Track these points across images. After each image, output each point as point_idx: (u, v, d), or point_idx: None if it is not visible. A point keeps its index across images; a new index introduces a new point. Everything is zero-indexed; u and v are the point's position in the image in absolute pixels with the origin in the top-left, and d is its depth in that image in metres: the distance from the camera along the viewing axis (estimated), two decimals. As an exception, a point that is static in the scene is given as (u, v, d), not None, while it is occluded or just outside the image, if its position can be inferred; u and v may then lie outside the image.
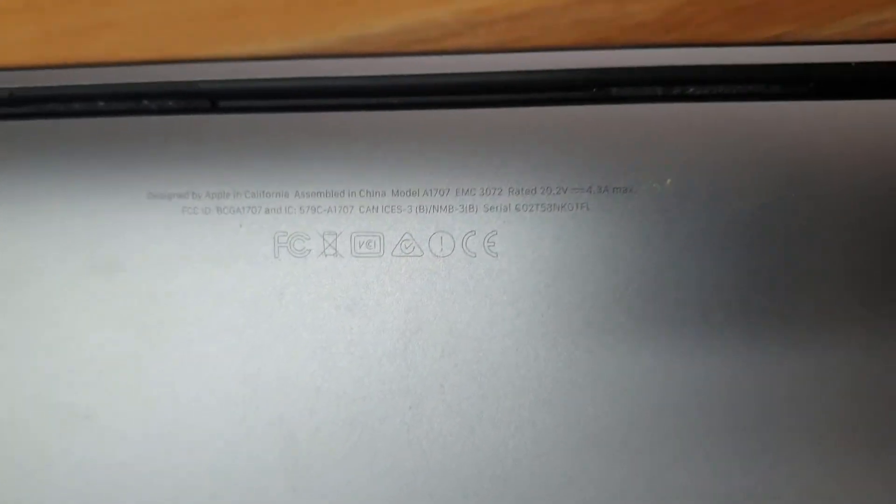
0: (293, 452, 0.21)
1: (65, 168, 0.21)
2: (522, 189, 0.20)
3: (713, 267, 0.19)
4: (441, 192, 0.20)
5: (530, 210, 0.20)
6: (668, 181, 0.19)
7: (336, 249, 0.20)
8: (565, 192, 0.20)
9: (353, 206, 0.20)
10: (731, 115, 0.19)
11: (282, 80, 0.21)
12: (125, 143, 0.21)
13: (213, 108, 0.22)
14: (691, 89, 0.21)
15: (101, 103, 0.22)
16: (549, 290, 0.20)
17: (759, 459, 0.19)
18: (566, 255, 0.20)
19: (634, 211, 0.19)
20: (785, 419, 0.19)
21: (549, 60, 0.20)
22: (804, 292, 0.19)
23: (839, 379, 0.19)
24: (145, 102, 0.22)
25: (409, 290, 0.20)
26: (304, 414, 0.21)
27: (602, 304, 0.20)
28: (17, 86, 0.22)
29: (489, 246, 0.20)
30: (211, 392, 0.21)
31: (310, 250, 0.20)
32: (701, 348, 0.20)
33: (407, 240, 0.20)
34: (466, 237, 0.20)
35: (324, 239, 0.20)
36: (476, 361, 0.20)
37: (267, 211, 0.20)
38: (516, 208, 0.20)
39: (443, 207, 0.20)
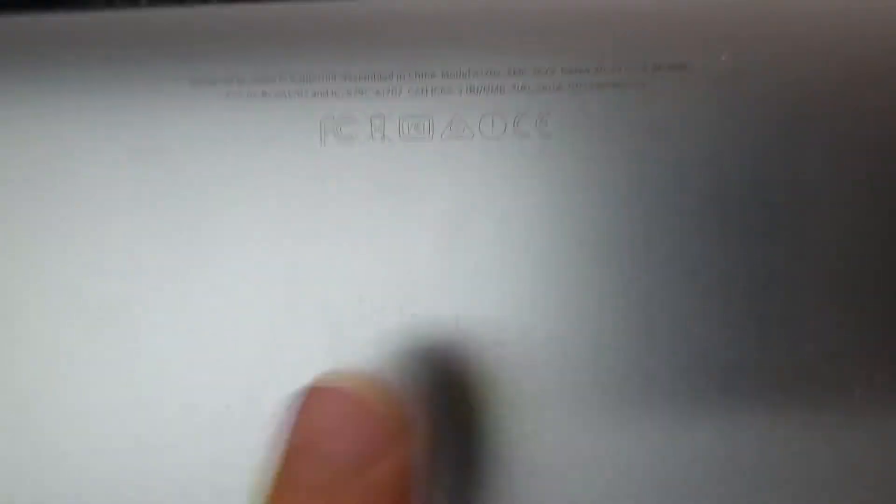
0: (338, 343, 0.20)
1: (104, 56, 0.21)
2: (575, 68, 0.19)
3: (774, 147, 0.19)
4: (491, 73, 0.20)
5: (584, 89, 0.19)
6: (723, 57, 0.19)
7: (384, 133, 0.20)
8: (619, 71, 0.19)
9: (401, 89, 0.20)
10: (785, -6, 0.19)
11: (329, -34, 0.21)
12: (166, 28, 0.21)
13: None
14: (742, -24, 0.20)
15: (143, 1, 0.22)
16: (604, 172, 0.19)
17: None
18: (622, 135, 0.19)
19: (689, 88, 0.19)
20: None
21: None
22: (870, 170, 0.19)
23: None
24: (188, -3, 0.22)
25: (459, 175, 0.20)
26: (351, 302, 0.20)
27: (658, 184, 0.19)
28: (58, -22, 0.22)
29: (542, 126, 0.19)
30: (253, 281, 0.20)
31: (357, 135, 0.20)
32: (757, 232, 0.19)
33: (457, 122, 0.20)
34: (518, 118, 0.20)
35: (371, 122, 0.20)
36: (526, 250, 0.20)
37: (313, 95, 0.20)
38: (570, 87, 0.19)
39: (493, 88, 0.20)
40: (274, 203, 0.20)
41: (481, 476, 0.19)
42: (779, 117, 0.19)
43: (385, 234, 0.20)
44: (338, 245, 0.20)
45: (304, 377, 0.19)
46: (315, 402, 0.15)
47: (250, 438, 0.20)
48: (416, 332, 0.20)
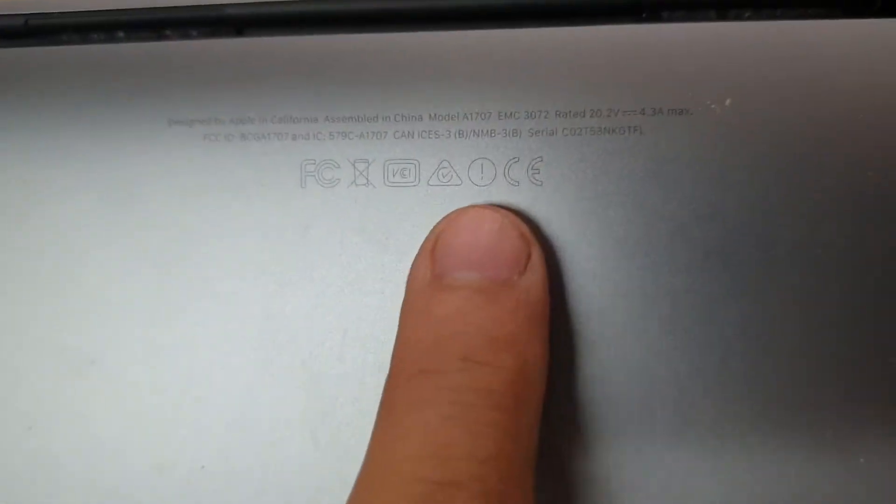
0: (317, 401, 0.19)
1: (80, 93, 0.20)
2: (570, 111, 0.18)
3: (776, 194, 0.18)
4: (482, 116, 0.19)
5: (578, 134, 0.18)
6: (728, 101, 0.18)
7: (368, 178, 0.19)
8: (616, 115, 0.18)
9: (386, 132, 0.19)
10: (792, 34, 0.18)
11: (311, 1, 0.20)
12: (144, 67, 0.20)
13: (239, 35, 0.20)
14: (747, 14, 0.19)
15: (120, 34, 0.21)
16: (598, 221, 0.18)
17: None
18: (617, 182, 0.18)
19: (691, 134, 0.18)
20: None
21: (596, -19, 0.19)
22: (875, 222, 0.18)
23: None
24: (167, 33, 0.21)
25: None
26: (330, 359, 0.19)
27: (655, 236, 0.18)
28: (32, 12, 0.21)
29: (533, 173, 0.18)
30: (228, 334, 0.19)
31: (339, 179, 0.19)
32: (761, 279, 0.18)
33: (445, 167, 0.19)
34: (509, 164, 0.18)
35: (355, 167, 0.19)
36: (518, 300, 0.18)
37: (294, 137, 0.19)
38: (563, 132, 0.18)
39: (484, 132, 0.19)
40: (251, 251, 0.19)
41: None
42: (781, 165, 0.18)
43: (367, 285, 0.19)
44: (317, 297, 0.19)
45: (280, 437, 0.18)
46: (467, 220, 0.17)
47: (225, 499, 0.19)
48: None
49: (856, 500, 0.17)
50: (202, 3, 0.20)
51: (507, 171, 0.18)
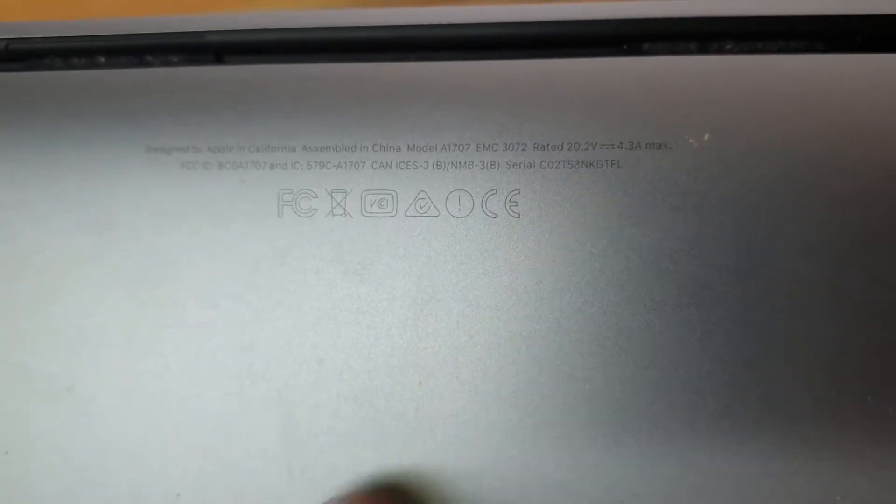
0: (292, 431, 0.19)
1: (57, 119, 0.20)
2: (548, 144, 0.18)
3: (754, 230, 0.18)
4: (460, 148, 0.18)
5: (556, 167, 0.18)
6: (707, 136, 0.18)
7: (345, 209, 0.19)
8: (594, 148, 0.18)
9: (364, 162, 0.19)
10: (774, 68, 0.18)
11: (291, 30, 0.20)
12: (123, 93, 0.20)
13: (219, 62, 0.20)
14: (728, 45, 0.19)
15: (101, 59, 0.21)
16: (575, 255, 0.18)
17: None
18: (595, 216, 0.18)
19: (669, 168, 0.18)
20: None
21: (575, 11, 0.19)
22: (851, 259, 0.18)
23: None
24: (148, 58, 0.21)
25: (423, 254, 0.19)
26: (305, 389, 0.19)
27: (633, 271, 0.18)
28: (13, 37, 0.21)
29: (511, 206, 0.18)
30: (204, 363, 0.19)
31: (316, 209, 0.19)
32: (737, 313, 0.18)
33: (422, 198, 0.19)
34: (487, 196, 0.18)
35: (332, 197, 0.19)
36: (493, 333, 0.18)
37: (271, 167, 0.19)
38: (541, 165, 0.18)
39: (462, 164, 0.18)
40: (228, 279, 0.19)
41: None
42: (759, 200, 0.18)
43: (343, 316, 0.19)
44: (293, 326, 0.19)
45: (256, 466, 0.18)
46: None
47: (199, 528, 0.19)
48: (372, 422, 0.18)
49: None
50: (183, 31, 0.20)
51: (484, 202, 0.18)
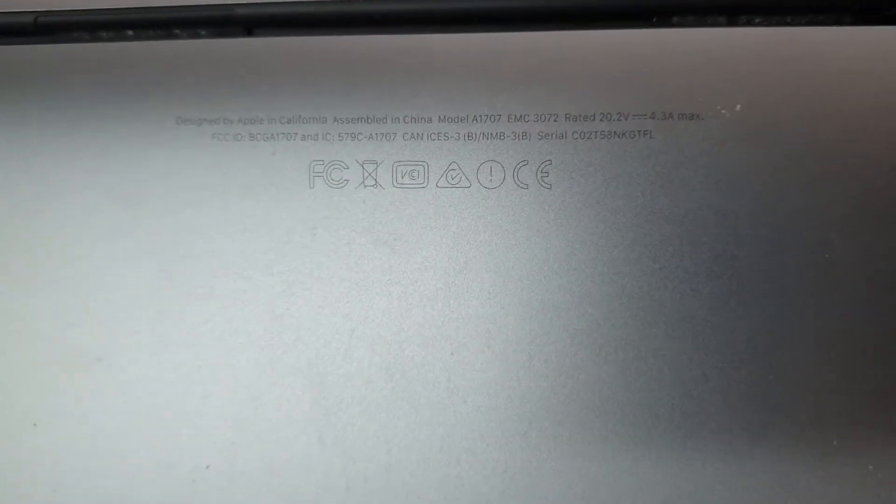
0: (323, 401, 0.19)
1: (87, 91, 0.20)
2: (580, 115, 0.18)
3: (785, 198, 0.18)
4: (492, 119, 0.19)
5: (588, 138, 0.18)
6: (738, 107, 0.18)
7: (376, 180, 0.19)
8: (626, 119, 0.18)
9: (395, 133, 0.19)
10: (802, 40, 0.18)
11: (321, 2, 0.20)
12: (152, 65, 0.20)
13: (249, 35, 0.20)
14: (757, 19, 0.19)
15: (129, 32, 0.21)
16: (607, 225, 0.18)
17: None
18: (627, 187, 0.18)
19: (701, 138, 0.18)
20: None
21: (607, -16, 0.19)
22: (881, 230, 0.18)
23: None
24: (176, 31, 0.21)
25: (454, 225, 0.19)
26: (337, 359, 0.19)
27: (665, 240, 0.18)
28: (41, 10, 0.21)
29: (543, 176, 0.18)
30: (234, 334, 0.19)
31: (348, 180, 0.19)
32: (769, 282, 0.18)
33: (453, 170, 0.19)
34: (518, 167, 0.18)
35: (363, 168, 0.19)
36: (525, 303, 0.18)
37: (303, 138, 0.19)
38: (573, 136, 0.18)
39: (493, 135, 0.19)
40: (259, 250, 0.19)
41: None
42: (790, 169, 0.18)
43: (374, 286, 0.19)
44: (324, 297, 0.19)
45: (286, 436, 0.18)
46: None
47: (230, 498, 0.19)
48: (403, 392, 0.18)
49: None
50: (212, 3, 0.20)
51: (516, 173, 0.18)
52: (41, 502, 0.19)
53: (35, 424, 0.20)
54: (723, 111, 0.18)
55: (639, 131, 0.18)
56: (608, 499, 0.18)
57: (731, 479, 0.18)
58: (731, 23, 0.19)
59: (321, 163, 0.19)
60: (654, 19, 0.19)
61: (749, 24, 0.19)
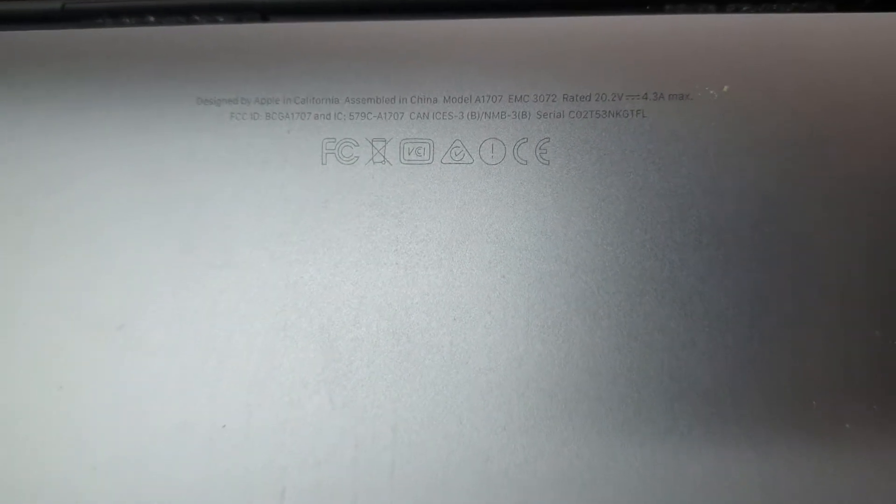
0: (334, 364, 0.20)
1: (114, 73, 0.21)
2: (576, 95, 0.19)
3: (771, 174, 0.19)
4: (493, 99, 0.20)
5: (584, 117, 0.19)
6: (726, 88, 0.19)
7: (384, 156, 0.20)
8: (620, 99, 0.19)
9: (402, 113, 0.20)
10: (788, 26, 0.19)
11: (335, -11, 0.21)
12: (174, 49, 0.21)
13: (264, 20, 0.22)
14: (745, 7, 0.20)
15: (151, 18, 0.22)
16: (601, 200, 0.19)
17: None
18: (620, 163, 0.19)
19: (691, 117, 0.19)
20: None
21: (603, -27, 0.20)
22: (860, 207, 0.19)
23: None
24: (196, 18, 0.22)
25: (457, 198, 0.20)
26: (347, 324, 0.20)
27: (656, 214, 0.19)
28: (70, -3, 0.22)
29: (541, 153, 0.20)
30: (250, 301, 0.20)
31: (358, 157, 0.20)
32: (754, 257, 0.19)
33: (457, 147, 0.20)
34: (518, 144, 0.20)
35: (372, 145, 0.20)
36: (524, 272, 0.20)
37: (315, 117, 0.20)
38: (570, 115, 0.19)
39: (495, 114, 0.20)
40: (273, 221, 0.20)
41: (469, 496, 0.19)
42: (776, 148, 0.19)
43: (383, 256, 0.20)
44: (335, 266, 0.20)
45: (298, 397, 0.20)
46: None
47: (245, 456, 0.20)
48: (408, 355, 0.20)
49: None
50: (231, -10, 0.21)
51: (516, 150, 0.20)
52: (65, 460, 0.21)
53: (61, 387, 0.21)
54: (711, 92, 0.19)
55: (632, 110, 0.19)
56: (599, 452, 0.19)
57: (715, 437, 0.19)
58: (720, 10, 0.20)
59: (333, 140, 0.20)
60: (648, 7, 0.21)
61: (737, 11, 0.20)
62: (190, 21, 0.22)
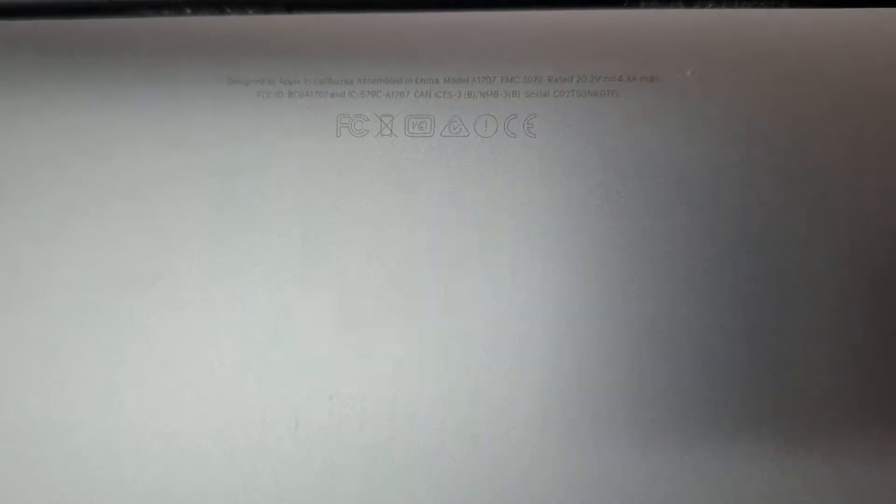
0: (348, 314, 0.23)
1: (153, 57, 0.24)
2: (560, 77, 0.22)
3: (731, 147, 0.22)
4: (487, 80, 0.23)
5: (567, 96, 0.22)
6: (689, 72, 0.22)
7: (391, 130, 0.23)
8: (598, 81, 0.22)
9: (408, 92, 0.23)
10: (747, 19, 0.22)
11: (350, -15, 0.24)
12: (209, 36, 0.24)
13: (289, 12, 0.24)
14: (710, 4, 0.23)
15: (188, 10, 0.25)
16: (581, 168, 0.22)
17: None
18: (598, 136, 0.22)
19: (659, 97, 0.22)
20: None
21: (585, -28, 0.23)
22: (815, 187, 0.21)
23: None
24: (227, 10, 0.25)
25: (455, 167, 0.23)
26: (356, 278, 0.23)
27: (630, 181, 0.22)
28: (118, -9, 0.25)
29: (528, 128, 0.22)
30: (273, 257, 0.23)
31: (368, 130, 0.23)
32: (716, 226, 0.22)
33: (455, 122, 0.23)
34: (509, 120, 0.22)
35: (381, 120, 0.23)
36: (513, 231, 0.22)
37: (332, 96, 0.23)
38: (554, 94, 0.22)
39: (488, 93, 0.23)
40: (294, 188, 0.23)
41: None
42: (735, 123, 0.22)
43: (390, 218, 0.23)
44: (347, 226, 0.23)
45: (315, 338, 0.22)
46: None
47: (265, 391, 0.23)
48: (409, 300, 0.22)
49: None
50: (259, -15, 0.24)
51: (506, 125, 0.22)
52: (100, 406, 0.23)
53: (97, 338, 0.24)
54: (677, 75, 0.22)
55: (608, 91, 0.22)
56: (593, 395, 0.21)
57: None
58: (688, 4, 0.23)
59: (347, 116, 0.23)
60: (624, 3, 0.23)
61: (703, 6, 0.23)
62: (222, 12, 0.25)
